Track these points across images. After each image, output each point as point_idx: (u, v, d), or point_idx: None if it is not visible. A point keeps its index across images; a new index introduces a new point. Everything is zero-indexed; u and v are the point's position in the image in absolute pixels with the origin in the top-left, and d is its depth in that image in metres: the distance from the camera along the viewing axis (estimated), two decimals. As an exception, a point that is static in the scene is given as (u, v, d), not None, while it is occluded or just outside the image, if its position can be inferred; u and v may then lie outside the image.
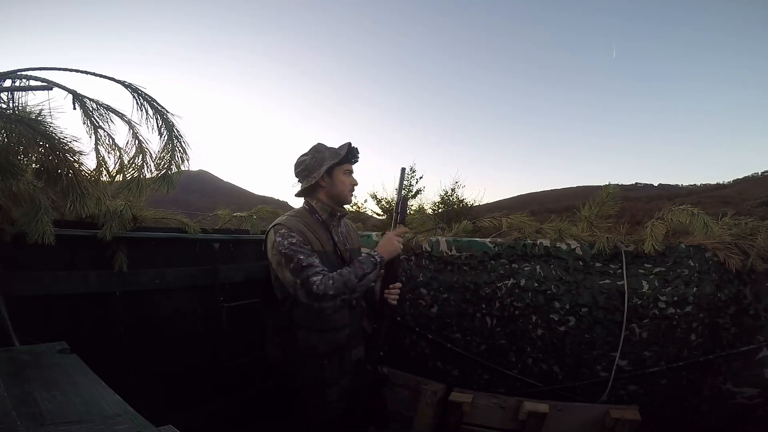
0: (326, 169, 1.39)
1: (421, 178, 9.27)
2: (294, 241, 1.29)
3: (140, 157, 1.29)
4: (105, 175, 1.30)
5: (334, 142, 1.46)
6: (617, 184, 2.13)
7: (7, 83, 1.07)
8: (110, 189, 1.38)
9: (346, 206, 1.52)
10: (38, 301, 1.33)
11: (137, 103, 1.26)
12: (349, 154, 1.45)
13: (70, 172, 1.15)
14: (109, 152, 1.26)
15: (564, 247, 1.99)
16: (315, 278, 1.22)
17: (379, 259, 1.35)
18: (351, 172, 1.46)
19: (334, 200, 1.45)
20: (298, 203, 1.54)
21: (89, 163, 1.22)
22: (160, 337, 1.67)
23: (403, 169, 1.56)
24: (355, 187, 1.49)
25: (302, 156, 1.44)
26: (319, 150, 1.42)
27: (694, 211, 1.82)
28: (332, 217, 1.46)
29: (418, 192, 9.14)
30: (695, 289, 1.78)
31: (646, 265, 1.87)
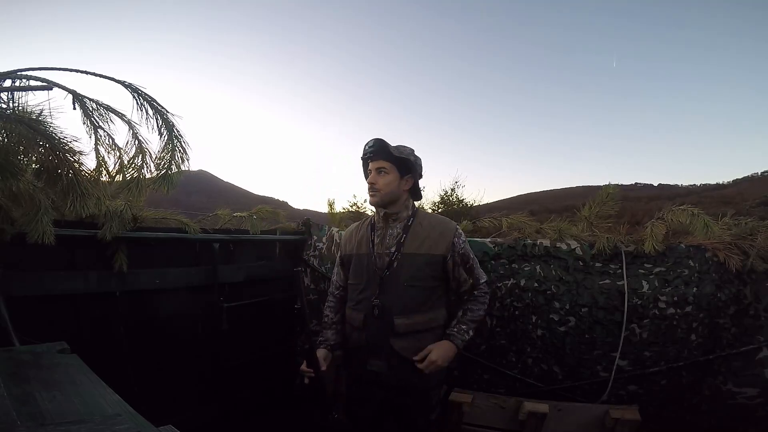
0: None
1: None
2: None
3: (140, 157, 1.29)
4: (105, 176, 1.30)
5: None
6: (617, 184, 2.12)
7: (7, 83, 1.07)
8: (110, 189, 1.38)
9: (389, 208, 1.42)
10: (38, 301, 1.33)
11: (137, 103, 1.26)
12: (363, 152, 1.43)
13: (70, 172, 1.14)
14: (108, 152, 1.26)
15: (564, 247, 1.99)
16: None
17: None
18: (371, 171, 1.40)
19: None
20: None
21: (89, 163, 1.22)
22: (160, 337, 1.67)
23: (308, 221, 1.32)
24: (374, 185, 1.38)
25: None
26: None
27: (694, 211, 1.81)
28: (386, 219, 1.43)
29: (417, 192, 9.16)
30: (695, 289, 1.77)
31: (646, 265, 1.86)
